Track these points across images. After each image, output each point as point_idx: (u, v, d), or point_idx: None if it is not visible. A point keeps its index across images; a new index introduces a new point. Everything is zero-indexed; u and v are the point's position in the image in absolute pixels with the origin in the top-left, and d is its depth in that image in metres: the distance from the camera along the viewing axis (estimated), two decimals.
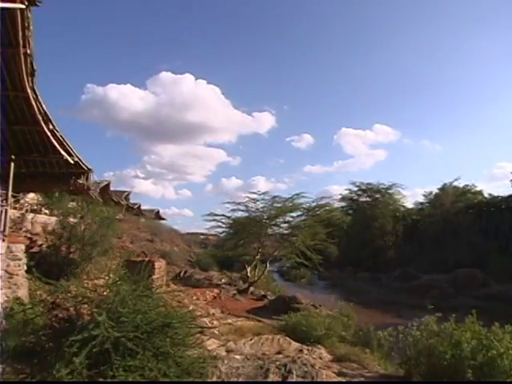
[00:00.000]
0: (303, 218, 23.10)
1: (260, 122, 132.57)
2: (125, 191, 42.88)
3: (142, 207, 47.67)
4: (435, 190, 42.12)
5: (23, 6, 7.59)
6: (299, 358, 7.83)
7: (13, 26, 7.82)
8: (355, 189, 44.44)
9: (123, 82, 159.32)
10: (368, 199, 43.55)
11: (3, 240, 8.65)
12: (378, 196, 42.55)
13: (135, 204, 44.23)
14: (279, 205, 21.82)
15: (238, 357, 7.85)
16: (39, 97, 8.91)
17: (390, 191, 42.29)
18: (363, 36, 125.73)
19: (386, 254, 38.70)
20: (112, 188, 34.81)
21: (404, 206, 43.54)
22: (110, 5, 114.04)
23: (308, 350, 9.14)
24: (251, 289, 19.42)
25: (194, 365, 6.35)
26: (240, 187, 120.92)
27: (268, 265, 22.10)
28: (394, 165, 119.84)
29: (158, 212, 55.32)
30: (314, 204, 23.78)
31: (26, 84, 8.59)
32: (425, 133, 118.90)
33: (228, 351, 8.59)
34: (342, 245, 36.04)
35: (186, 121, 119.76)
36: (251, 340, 9.63)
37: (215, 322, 11.61)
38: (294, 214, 22.82)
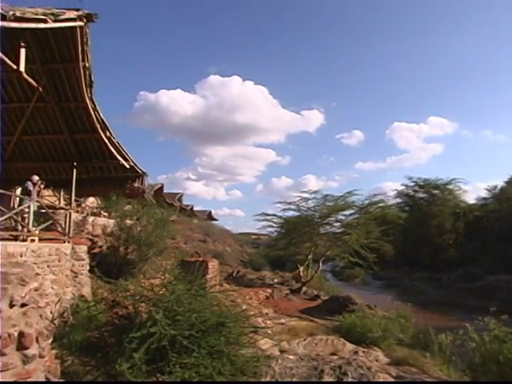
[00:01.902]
0: (356, 216, 22.52)
1: (308, 120, 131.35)
2: (177, 193, 44.30)
3: (195, 208, 48.97)
4: (501, 184, 39.14)
5: (82, 24, 8.12)
6: (354, 359, 7.66)
7: (73, 43, 8.40)
8: (411, 184, 42.48)
9: (173, 88, 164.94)
10: (425, 195, 41.42)
11: (68, 242, 9.30)
12: (436, 192, 40.34)
13: (188, 205, 45.47)
14: (331, 203, 21.44)
15: (291, 357, 7.83)
16: (97, 106, 9.49)
17: (448, 186, 39.89)
18: (414, 27, 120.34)
19: (446, 252, 36.55)
20: (165, 190, 36.16)
21: (465, 202, 40.83)
22: (156, 14, 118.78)
23: (363, 351, 8.90)
24: (304, 289, 19.24)
25: (248, 364, 6.43)
26: (290, 186, 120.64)
27: (321, 264, 21.79)
28: (452, 158, 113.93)
29: (210, 213, 56.54)
30: (367, 201, 23.11)
31: (85, 95, 9.19)
32: (485, 123, 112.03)
33: (281, 351, 8.60)
34: (397, 243, 34.60)
35: (234, 122, 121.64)
36: (305, 340, 9.56)
37: (268, 322, 11.65)
38: (346, 213, 22.33)
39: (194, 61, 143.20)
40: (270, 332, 10.21)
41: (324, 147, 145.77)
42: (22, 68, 7.43)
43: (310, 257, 21.46)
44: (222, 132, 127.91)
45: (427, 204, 39.52)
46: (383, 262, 28.75)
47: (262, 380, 6.64)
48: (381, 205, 24.53)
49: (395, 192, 43.52)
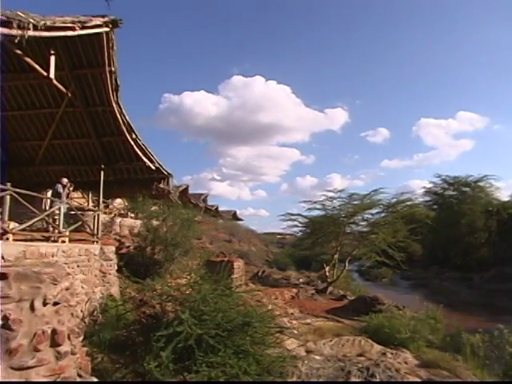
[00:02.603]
0: (383, 214, 22.10)
1: (332, 119, 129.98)
2: (202, 194, 44.70)
3: (220, 209, 49.29)
4: None
5: (108, 30, 8.33)
6: (382, 361, 7.53)
7: (100, 48, 8.64)
8: (440, 182, 41.27)
9: (197, 89, 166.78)
10: (455, 193, 40.15)
11: (97, 242, 9.54)
12: (466, 189, 39.02)
13: (213, 206, 45.82)
14: (357, 202, 21.12)
15: (317, 357, 7.77)
16: (123, 109, 9.73)
17: (480, 184, 38.49)
18: (439, 20, 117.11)
19: (478, 252, 35.23)
20: (190, 191, 36.58)
21: (498, 200, 39.18)
22: (179, 16, 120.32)
23: (392, 353, 8.71)
24: (330, 288, 19.04)
25: (274, 364, 6.41)
26: (315, 185, 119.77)
27: (347, 264, 21.49)
28: (484, 154, 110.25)
29: (235, 213, 56.80)
30: (394, 200, 22.65)
31: (112, 99, 9.43)
32: None
33: (308, 351, 8.54)
34: (426, 242, 33.68)
35: (258, 122, 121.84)
36: (331, 341, 9.46)
37: (294, 322, 11.59)
38: (372, 211, 21.93)
39: (216, 62, 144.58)
40: (295, 332, 10.15)
41: (349, 145, 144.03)
42: (52, 75, 7.70)
43: (335, 256, 21.22)
44: (245, 132, 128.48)
45: (457, 202, 38.28)
46: (411, 261, 28.05)
47: (288, 380, 6.61)
48: (408, 203, 23.97)
49: (423, 190, 42.45)
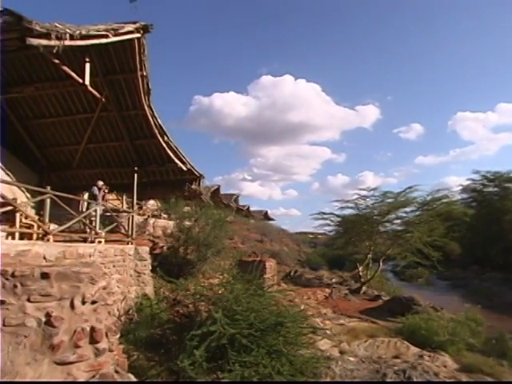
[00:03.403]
0: (418, 213, 21.46)
1: (363, 116, 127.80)
2: (234, 194, 44.89)
3: (251, 209, 49.37)
4: None
5: (139, 35, 8.54)
6: (420, 364, 7.30)
7: (132, 54, 8.87)
8: (479, 178, 39.46)
9: (226, 90, 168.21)
10: (496, 189, 38.31)
11: (132, 243, 9.79)
12: (509, 185, 37.15)
13: (244, 206, 45.94)
14: (390, 200, 20.63)
15: (352, 359, 7.64)
16: (155, 112, 9.95)
17: None
18: (474, 11, 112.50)
19: None
20: (222, 191, 36.76)
21: None
22: (207, 19, 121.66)
23: (429, 356, 8.43)
24: (364, 288, 18.71)
25: (308, 364, 6.35)
26: (347, 184, 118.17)
27: (381, 264, 21.02)
28: None
29: (267, 213, 56.73)
30: (430, 197, 21.92)
31: (144, 102, 9.67)
32: None
33: (341, 352, 8.42)
34: (464, 241, 32.36)
35: (288, 121, 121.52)
36: (365, 342, 9.29)
37: (327, 322, 11.47)
38: (407, 209, 21.35)
39: (245, 62, 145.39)
40: (329, 333, 10.02)
41: (381, 143, 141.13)
42: (87, 81, 7.97)
43: (369, 256, 20.81)
44: (275, 132, 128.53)
45: (499, 199, 36.40)
46: (449, 261, 27.05)
47: (321, 380, 6.54)
48: (445, 201, 23.13)
49: (460, 187, 40.78)
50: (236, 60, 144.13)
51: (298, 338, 6.83)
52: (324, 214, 23.51)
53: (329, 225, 24.15)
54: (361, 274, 19.97)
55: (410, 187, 20.92)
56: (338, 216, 23.17)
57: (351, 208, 22.00)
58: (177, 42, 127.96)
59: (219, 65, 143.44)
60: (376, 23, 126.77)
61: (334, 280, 21.71)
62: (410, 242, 20.06)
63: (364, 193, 21.46)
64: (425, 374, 6.79)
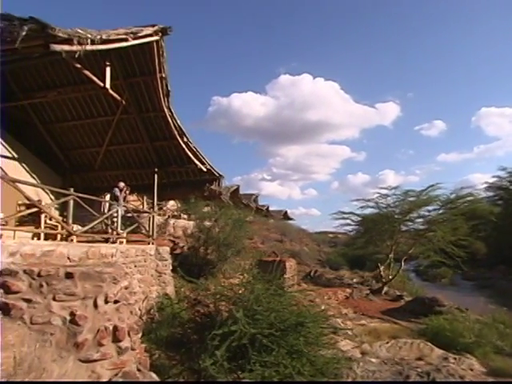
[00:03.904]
0: (440, 211, 20.98)
1: (383, 114, 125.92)
2: (253, 194, 44.87)
3: (270, 208, 49.30)
4: None
5: (158, 38, 8.65)
6: (444, 366, 7.13)
7: (151, 56, 9.00)
8: (506, 175, 38.23)
9: (244, 90, 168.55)
10: None
11: (152, 243, 9.92)
12: None
13: (263, 206, 45.88)
14: (412, 199, 20.23)
15: (373, 360, 7.52)
16: (174, 114, 10.06)
17: None
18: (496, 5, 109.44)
19: None
20: (241, 191, 36.83)
21: None
22: (224, 20, 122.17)
23: (455, 358, 8.15)
24: (385, 289, 18.43)
25: (329, 365, 6.29)
26: (367, 183, 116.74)
27: (403, 263, 20.64)
28: None
29: (286, 212, 56.51)
30: (453, 195, 21.43)
31: (163, 104, 9.79)
32: None
33: (363, 353, 8.31)
34: (490, 240, 31.43)
35: (307, 120, 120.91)
36: (387, 343, 9.13)
37: (348, 323, 11.35)
38: (429, 208, 20.90)
39: (263, 62, 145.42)
40: (350, 333, 9.92)
41: (402, 140, 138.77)
42: (108, 85, 8.12)
43: (390, 255, 20.47)
44: (294, 131, 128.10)
45: None
46: (474, 260, 26.33)
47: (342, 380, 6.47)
48: (469, 199, 22.58)
49: (486, 184, 39.64)
50: (254, 60, 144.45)
51: (319, 338, 6.77)
52: (344, 213, 23.28)
53: (349, 224, 23.91)
54: (382, 273, 19.67)
55: (432, 185, 20.47)
56: (358, 215, 22.91)
57: (372, 207, 21.72)
58: (195, 44, 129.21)
59: (237, 65, 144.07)
60: (396, 19, 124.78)
61: (354, 280, 21.49)
62: (433, 242, 19.65)
63: (385, 191, 21.14)
64: (450, 376, 6.63)
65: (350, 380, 6.57)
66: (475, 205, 23.61)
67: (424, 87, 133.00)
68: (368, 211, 22.23)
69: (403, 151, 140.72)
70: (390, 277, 19.44)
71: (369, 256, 27.44)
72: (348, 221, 23.43)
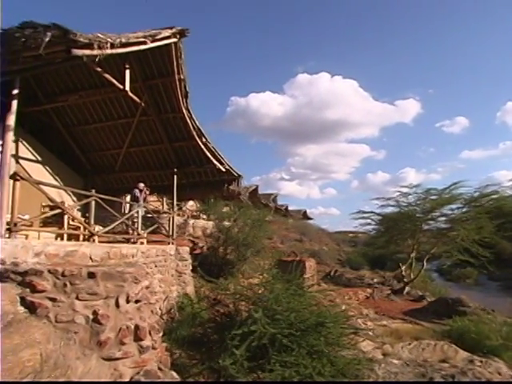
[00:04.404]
0: (464, 210, 20.49)
1: (403, 111, 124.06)
2: (272, 194, 44.84)
3: (289, 208, 49.17)
4: None
5: (176, 40, 8.74)
6: (470, 369, 6.92)
7: (169, 58, 9.11)
8: None
9: (262, 90, 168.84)
10: None
11: (172, 243, 10.02)
12: None
13: (282, 205, 45.80)
14: (434, 197, 19.80)
15: (395, 361, 7.40)
16: (192, 115, 10.15)
17: None
18: None
19: None
20: (260, 191, 36.86)
21: None
22: (242, 20, 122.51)
23: (481, 361, 7.89)
24: (407, 289, 18.13)
25: (350, 366, 6.22)
26: (388, 181, 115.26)
27: (425, 263, 20.25)
28: None
29: (305, 212, 56.28)
30: (477, 193, 20.89)
31: (182, 105, 9.89)
32: None
33: (384, 354, 8.18)
34: None
35: (325, 119, 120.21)
36: (410, 344, 8.95)
37: (369, 323, 11.21)
38: (452, 206, 20.42)
39: (281, 62, 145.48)
40: (371, 334, 9.79)
41: (423, 138, 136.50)
42: (128, 87, 8.25)
43: (412, 255, 20.12)
44: (313, 130, 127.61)
45: None
46: (500, 260, 25.50)
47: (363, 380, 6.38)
48: (494, 197, 21.96)
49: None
50: (272, 59, 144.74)
51: (340, 338, 6.70)
52: (364, 212, 22.99)
53: (369, 223, 23.60)
54: (404, 273, 19.35)
55: (455, 183, 20.00)
56: (378, 214, 22.61)
57: (392, 206, 21.38)
58: (213, 44, 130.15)
59: (255, 65, 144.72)
60: (417, 16, 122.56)
61: (375, 280, 21.21)
62: (456, 241, 19.20)
63: (406, 190, 20.78)
64: (476, 380, 6.44)
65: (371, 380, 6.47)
66: (501, 203, 22.89)
67: (445, 83, 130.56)
68: (388, 210, 21.92)
69: (424, 149, 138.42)
70: (412, 277, 19.11)
71: (390, 255, 27.05)
72: (368, 220, 23.16)
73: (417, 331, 10.77)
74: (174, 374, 4.82)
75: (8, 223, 5.23)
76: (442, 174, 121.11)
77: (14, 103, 5.54)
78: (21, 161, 9.87)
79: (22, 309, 3.84)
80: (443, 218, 20.44)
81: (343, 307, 10.46)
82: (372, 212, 22.78)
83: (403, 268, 19.54)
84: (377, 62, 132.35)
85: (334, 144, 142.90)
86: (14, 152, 9.25)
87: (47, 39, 4.94)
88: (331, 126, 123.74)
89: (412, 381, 6.47)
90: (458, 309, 12.30)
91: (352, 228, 37.21)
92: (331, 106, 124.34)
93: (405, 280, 18.87)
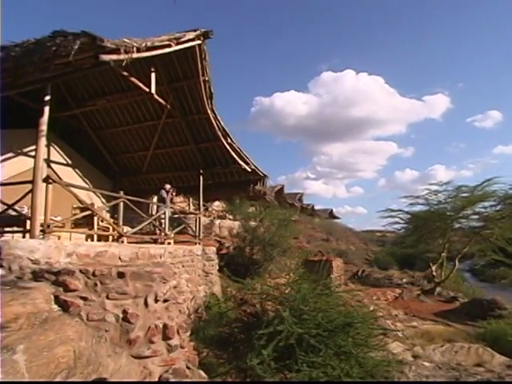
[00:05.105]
0: (498, 207, 19.70)
1: (432, 106, 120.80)
2: (297, 193, 44.63)
3: (315, 207, 48.81)
4: None
5: (200, 42, 8.83)
6: (508, 375, 6.63)
7: (193, 60, 9.21)
8: None
9: (287, 89, 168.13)
10: None
11: (199, 243, 10.12)
12: None
13: (308, 205, 45.51)
14: (466, 194, 19.15)
15: (427, 364, 7.21)
16: (217, 115, 10.22)
17: None
18: None
19: None
20: (285, 191, 36.76)
21: None
22: (264, 20, 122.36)
23: None
24: (438, 289, 17.61)
25: (379, 367, 6.11)
26: (416, 179, 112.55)
27: (457, 263, 19.63)
28: None
29: (332, 211, 55.73)
30: None
31: (207, 106, 9.98)
32: None
33: (415, 357, 7.98)
34: None
35: (351, 117, 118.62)
36: (442, 347, 8.70)
37: (398, 324, 10.97)
38: (486, 204, 19.66)
39: (304, 60, 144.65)
40: (400, 335, 9.57)
41: (452, 133, 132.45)
42: (153, 90, 8.39)
43: (443, 254, 19.52)
44: (338, 129, 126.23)
45: None
46: None
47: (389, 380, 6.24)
48: None
49: None
50: (295, 58, 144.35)
51: (368, 339, 6.59)
52: (392, 210, 22.48)
53: (398, 222, 23.04)
54: (434, 273, 18.81)
55: (488, 180, 19.22)
56: (407, 213, 22.06)
57: (421, 204, 20.81)
58: (236, 45, 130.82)
59: (279, 64, 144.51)
60: (443, 5, 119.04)
61: (404, 280, 20.73)
62: (490, 240, 18.50)
63: (435, 187, 20.18)
64: None
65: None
66: None
67: (476, 76, 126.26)
68: (417, 208, 21.35)
69: (454, 145, 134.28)
70: (443, 277, 18.55)
71: (419, 255, 26.37)
72: (396, 219, 22.62)
73: (449, 333, 10.44)
74: (202, 372, 4.87)
75: (42, 225, 5.42)
76: (473, 170, 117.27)
77: (46, 109, 5.72)
78: (52, 164, 10.20)
79: (55, 307, 3.96)
80: (476, 216, 19.72)
81: (371, 307, 10.31)
82: (400, 210, 22.25)
83: (434, 268, 19.00)
84: (403, 58, 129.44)
85: (360, 142, 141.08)
86: (45, 156, 9.56)
87: (76, 46, 5.09)
88: (357, 123, 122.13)
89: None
90: (493, 311, 11.85)
91: (380, 227, 36.58)
92: (357, 103, 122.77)
93: (435, 280, 18.35)
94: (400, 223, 23.16)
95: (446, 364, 7.39)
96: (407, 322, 11.61)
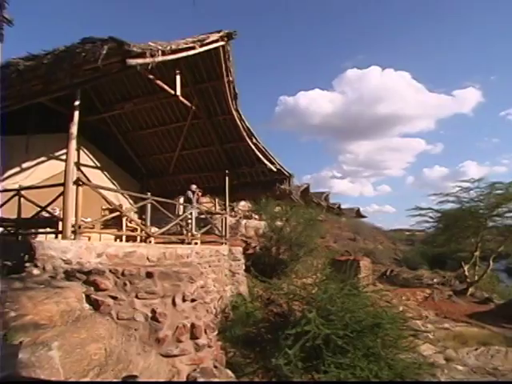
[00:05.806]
0: None
1: (462, 101, 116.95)
2: (323, 192, 44.14)
3: (342, 206, 48.18)
4: None
5: (224, 43, 8.88)
6: None
7: (217, 62, 9.29)
8: None
9: (311, 88, 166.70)
10: None
11: (225, 244, 10.17)
12: None
13: (335, 204, 44.95)
14: (500, 191, 18.40)
15: (460, 367, 6.97)
16: (242, 116, 10.25)
17: None
18: None
19: None
20: (311, 190, 36.45)
21: None
22: (288, 19, 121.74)
23: None
24: (471, 290, 17.02)
25: (409, 370, 5.97)
26: (446, 176, 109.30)
27: (491, 262, 18.91)
28: None
29: (359, 210, 54.83)
30: None
31: (231, 107, 10.04)
32: None
33: (447, 360, 7.74)
34: None
35: (377, 114, 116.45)
36: (476, 350, 8.38)
37: (429, 326, 10.69)
38: None
39: (329, 58, 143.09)
40: (431, 337, 9.32)
41: (484, 128, 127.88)
42: (179, 92, 8.49)
43: (476, 254, 18.84)
44: (364, 126, 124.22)
45: None
46: None
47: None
48: None
49: None
50: (319, 56, 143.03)
51: (398, 341, 6.44)
52: (421, 209, 21.86)
53: (427, 221, 22.39)
54: (467, 273, 18.18)
55: None
56: (437, 211, 21.42)
57: (452, 202, 20.15)
58: (260, 45, 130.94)
59: (303, 63, 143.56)
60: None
61: (435, 280, 20.12)
62: None
63: (467, 184, 19.47)
64: None
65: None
66: None
67: (509, 68, 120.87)
68: (448, 206, 20.68)
69: (487, 140, 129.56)
70: (476, 277, 17.92)
71: (450, 254, 25.57)
72: (426, 217, 22.00)
73: (484, 336, 10.03)
74: (229, 372, 4.89)
75: (73, 226, 5.59)
76: (508, 166, 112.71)
77: (76, 114, 5.91)
78: (82, 167, 10.50)
79: (87, 306, 4.08)
80: (511, 214, 18.96)
81: (400, 308, 10.07)
82: (430, 208, 21.62)
83: (466, 268, 18.37)
84: (431, 52, 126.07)
85: (387, 139, 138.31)
86: (76, 159, 9.85)
87: (104, 52, 5.23)
88: (383, 120, 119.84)
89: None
90: None
91: (408, 226, 35.71)
92: (383, 100, 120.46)
93: (468, 280, 17.74)
94: (429, 222, 22.52)
95: (481, 368, 7.12)
96: (438, 324, 11.29)
